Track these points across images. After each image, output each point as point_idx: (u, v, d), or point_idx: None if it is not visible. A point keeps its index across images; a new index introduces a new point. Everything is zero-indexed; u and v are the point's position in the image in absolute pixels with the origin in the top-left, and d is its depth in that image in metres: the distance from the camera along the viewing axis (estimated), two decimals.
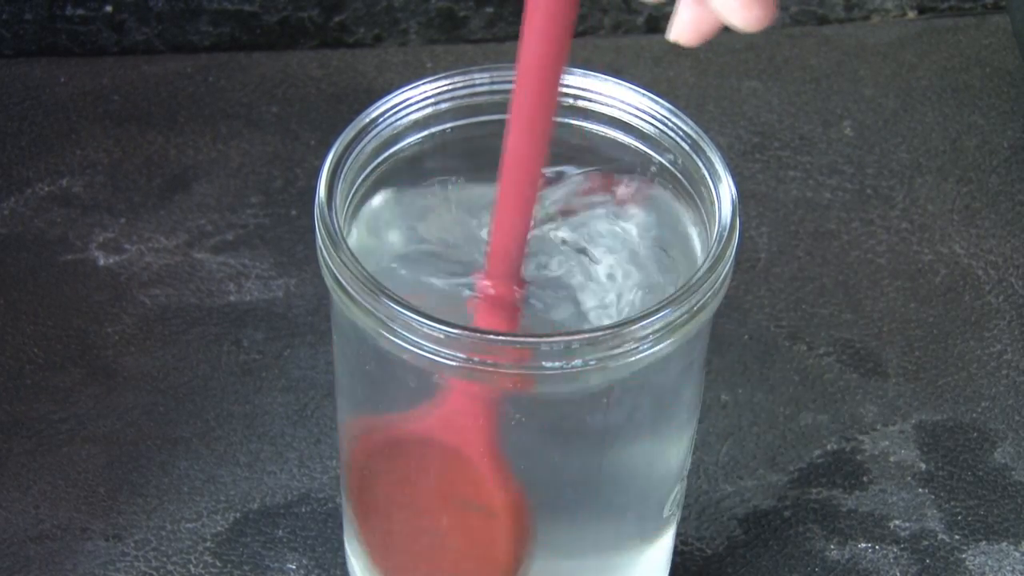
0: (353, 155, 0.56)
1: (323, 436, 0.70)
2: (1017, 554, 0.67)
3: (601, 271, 0.57)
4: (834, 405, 0.72)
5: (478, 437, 0.55)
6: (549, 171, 0.57)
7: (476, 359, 0.52)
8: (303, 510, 0.68)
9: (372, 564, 0.61)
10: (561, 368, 0.52)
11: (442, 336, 0.51)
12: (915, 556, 0.67)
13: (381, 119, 0.57)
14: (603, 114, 0.58)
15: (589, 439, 0.56)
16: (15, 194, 0.79)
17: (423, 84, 0.58)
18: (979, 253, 0.78)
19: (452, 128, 0.58)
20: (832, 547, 0.67)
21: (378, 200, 0.58)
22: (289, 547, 0.67)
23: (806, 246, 0.78)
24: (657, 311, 0.52)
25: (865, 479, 0.70)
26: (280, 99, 0.83)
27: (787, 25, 0.89)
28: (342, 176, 0.55)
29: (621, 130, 0.58)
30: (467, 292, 0.56)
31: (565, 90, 0.58)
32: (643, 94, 0.57)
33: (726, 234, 0.54)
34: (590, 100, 0.58)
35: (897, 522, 0.68)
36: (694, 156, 0.56)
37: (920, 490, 0.69)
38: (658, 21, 0.89)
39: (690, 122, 0.57)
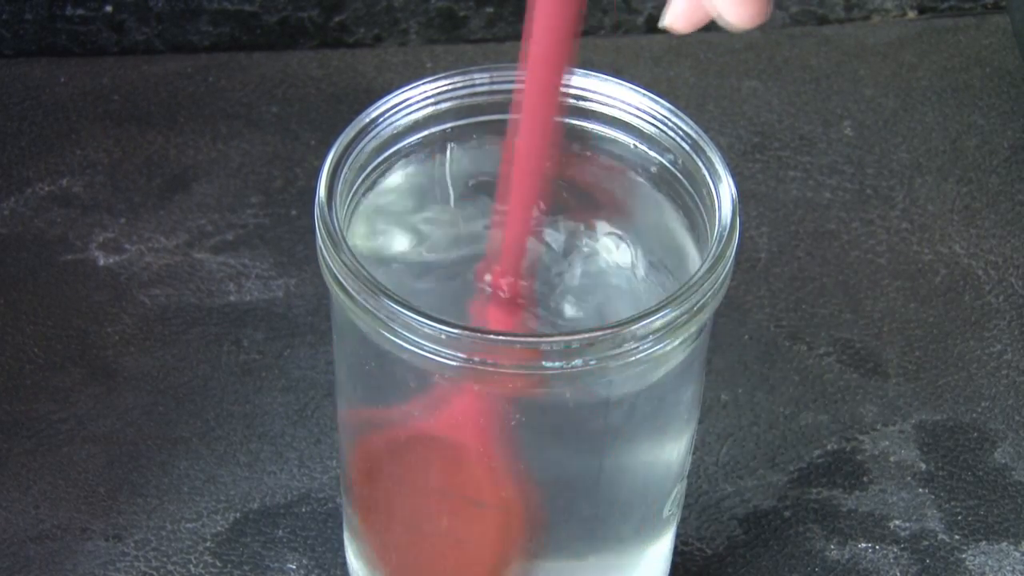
0: (353, 155, 0.56)
1: (323, 436, 0.70)
2: (1017, 554, 0.67)
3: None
4: (834, 405, 0.72)
5: (479, 433, 0.55)
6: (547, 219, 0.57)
7: (476, 359, 0.52)
8: (303, 510, 0.68)
9: (374, 562, 0.61)
10: (561, 368, 0.52)
11: (442, 336, 0.51)
12: (915, 556, 0.67)
13: (381, 119, 0.57)
14: (603, 114, 0.58)
15: (589, 439, 0.56)
16: (15, 194, 0.79)
17: (423, 84, 0.58)
18: (979, 253, 0.78)
19: (452, 128, 0.58)
20: (832, 547, 0.67)
21: (378, 201, 0.58)
22: (289, 547, 0.67)
23: (806, 246, 0.78)
24: (657, 311, 0.52)
25: (865, 479, 0.70)
26: (280, 99, 0.83)
27: (787, 25, 0.89)
28: (342, 176, 0.55)
29: (621, 130, 0.58)
30: (468, 288, 0.56)
31: (565, 90, 0.58)
32: (643, 94, 0.57)
33: (726, 234, 0.54)
34: (590, 100, 0.58)
35: (897, 522, 0.68)
36: (694, 156, 0.56)
37: (920, 490, 0.69)
38: (658, 21, 0.89)
39: (690, 122, 0.57)
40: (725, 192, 0.55)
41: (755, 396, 0.72)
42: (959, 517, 0.68)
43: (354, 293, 0.53)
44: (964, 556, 0.67)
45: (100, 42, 0.86)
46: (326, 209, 0.54)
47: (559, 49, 0.52)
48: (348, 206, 0.56)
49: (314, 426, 0.70)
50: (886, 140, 0.83)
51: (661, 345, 0.53)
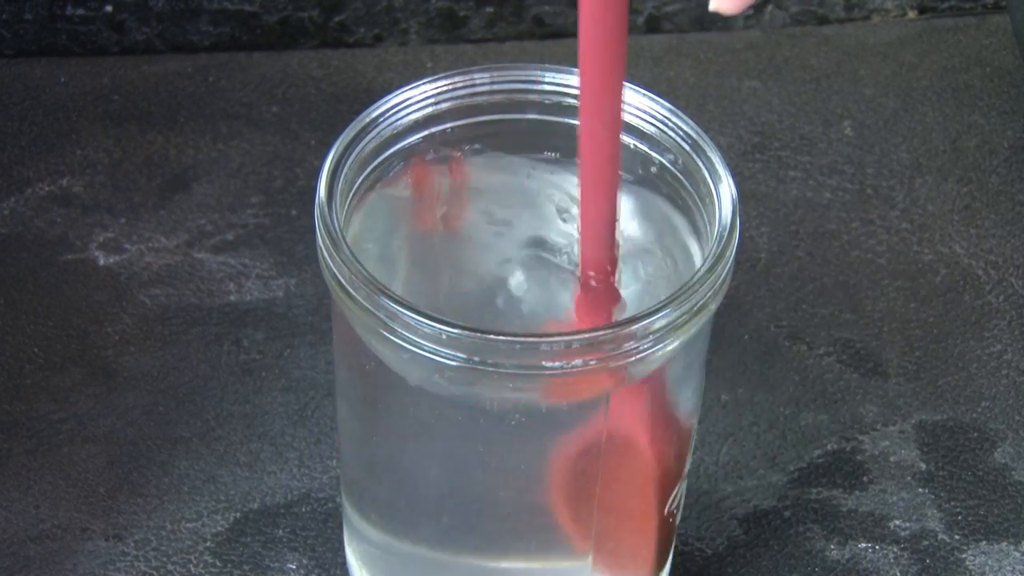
0: (353, 155, 0.56)
1: (323, 436, 0.70)
2: (1017, 554, 0.67)
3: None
4: (834, 405, 0.72)
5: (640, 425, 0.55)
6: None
7: (476, 359, 0.52)
8: (303, 510, 0.68)
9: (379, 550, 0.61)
10: (561, 368, 0.52)
11: (442, 336, 0.51)
12: (915, 556, 0.67)
13: (381, 119, 0.57)
14: None
15: (589, 439, 0.56)
16: (15, 194, 0.79)
17: (423, 84, 0.58)
18: (979, 253, 0.78)
19: (452, 128, 0.58)
20: (832, 547, 0.67)
21: (378, 201, 0.58)
22: (289, 547, 0.67)
23: (806, 246, 0.78)
24: (657, 311, 0.52)
25: (865, 479, 0.70)
26: (280, 99, 0.83)
27: (787, 25, 0.89)
28: (342, 176, 0.55)
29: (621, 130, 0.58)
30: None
31: (565, 90, 0.58)
32: (643, 94, 0.57)
33: (726, 234, 0.54)
34: None
35: (897, 522, 0.68)
36: (694, 156, 0.56)
37: (920, 490, 0.69)
38: (658, 21, 0.89)
39: (690, 122, 0.57)
40: (725, 192, 0.55)
41: (755, 396, 0.72)
42: (959, 517, 0.68)
43: (354, 293, 0.53)
44: (964, 556, 0.67)
45: (100, 42, 0.86)
46: (326, 209, 0.54)
47: (616, 39, 0.51)
48: (348, 206, 0.56)
49: (314, 426, 0.70)
50: (886, 140, 0.83)
51: (661, 345, 0.53)
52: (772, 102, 0.85)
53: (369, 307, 0.52)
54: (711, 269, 0.53)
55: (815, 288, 0.76)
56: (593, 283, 0.54)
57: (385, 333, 0.52)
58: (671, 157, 0.57)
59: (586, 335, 0.52)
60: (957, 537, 0.68)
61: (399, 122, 0.57)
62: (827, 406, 0.72)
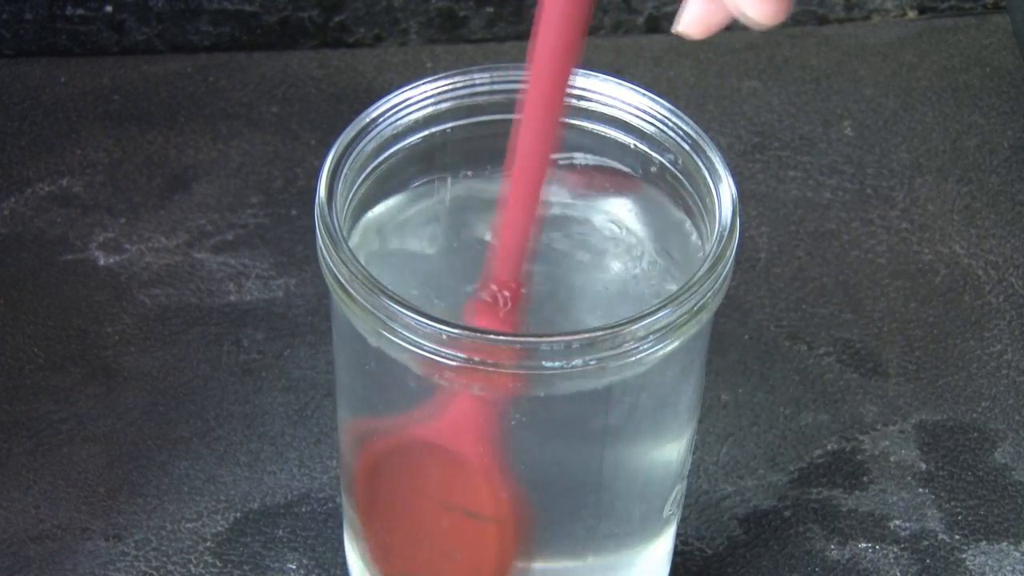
0: (353, 155, 0.56)
1: (323, 436, 0.70)
2: (1017, 554, 0.67)
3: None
4: (834, 405, 0.72)
5: (479, 443, 0.55)
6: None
7: (476, 359, 0.52)
8: (303, 510, 0.68)
9: (372, 565, 0.61)
10: (561, 368, 0.52)
11: (442, 336, 0.51)
12: (915, 556, 0.67)
13: (381, 119, 0.57)
14: (603, 114, 0.58)
15: (589, 439, 0.56)
16: (15, 194, 0.79)
17: (423, 84, 0.58)
18: (979, 253, 0.78)
19: (452, 128, 0.58)
20: (832, 547, 0.67)
21: (378, 203, 0.58)
22: (289, 547, 0.67)
23: (806, 246, 0.78)
24: (657, 311, 0.52)
25: (865, 479, 0.70)
26: (280, 99, 0.83)
27: (787, 25, 0.89)
28: (342, 176, 0.55)
29: (621, 130, 0.58)
30: (467, 294, 0.56)
31: (569, 93, 0.58)
32: (643, 94, 0.57)
33: (726, 234, 0.54)
34: (590, 100, 0.58)
35: (897, 522, 0.68)
36: (694, 156, 0.56)
37: (920, 490, 0.69)
38: (658, 21, 0.89)
39: (690, 122, 0.57)
40: (725, 192, 0.55)
41: (755, 396, 0.72)
42: (959, 517, 0.68)
43: (354, 293, 0.53)
44: (964, 556, 0.67)
45: (100, 42, 0.86)
46: (326, 209, 0.54)
47: (565, 55, 0.51)
48: (348, 206, 0.56)
49: (314, 426, 0.70)
50: (886, 140, 0.83)
51: (661, 345, 0.53)
52: (772, 102, 0.85)
53: (369, 307, 0.52)
54: (711, 269, 0.53)
55: (815, 288, 0.76)
56: (498, 298, 0.54)
57: (385, 333, 0.52)
58: (671, 157, 0.57)
59: (586, 335, 0.51)
60: (957, 537, 0.68)
61: (399, 122, 0.57)
62: (827, 406, 0.72)
